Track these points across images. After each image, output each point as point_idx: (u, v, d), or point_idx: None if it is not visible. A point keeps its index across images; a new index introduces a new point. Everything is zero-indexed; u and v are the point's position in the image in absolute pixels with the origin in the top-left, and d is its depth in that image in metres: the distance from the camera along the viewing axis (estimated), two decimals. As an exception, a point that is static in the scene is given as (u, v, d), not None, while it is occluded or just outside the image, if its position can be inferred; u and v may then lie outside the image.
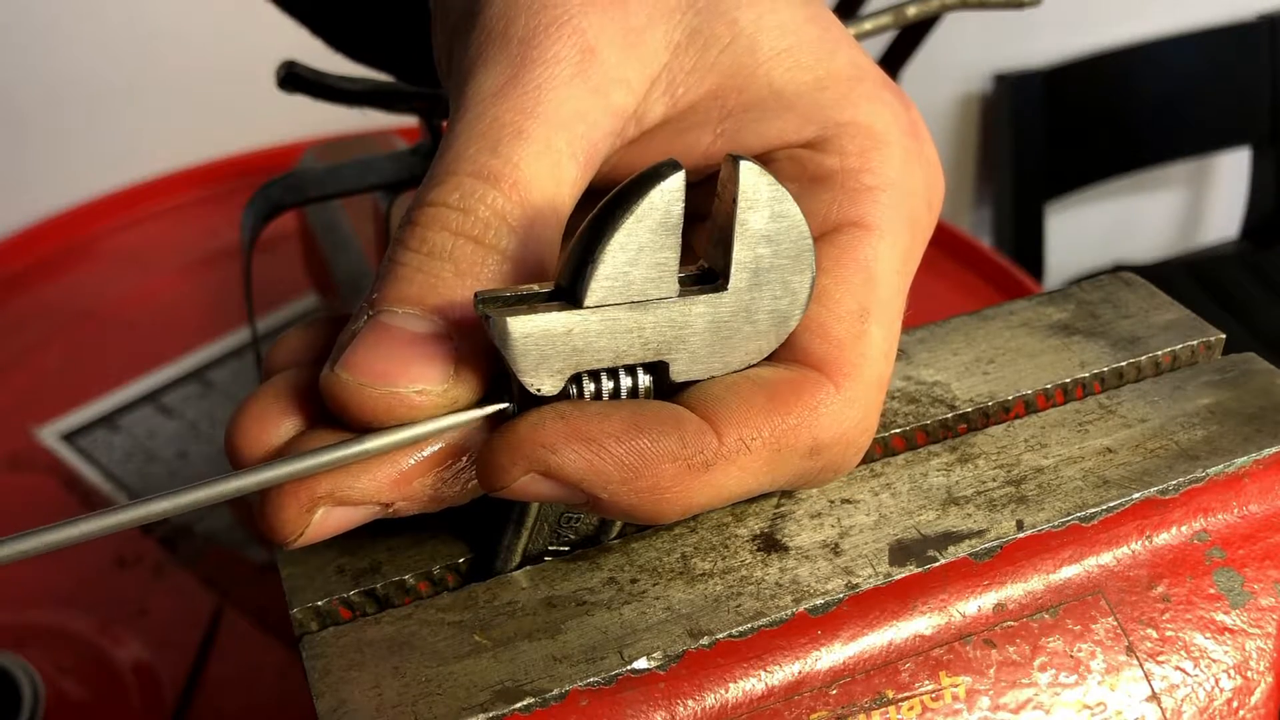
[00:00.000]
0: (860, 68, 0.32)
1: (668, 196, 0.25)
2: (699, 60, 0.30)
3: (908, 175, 0.31)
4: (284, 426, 0.28)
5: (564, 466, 0.26)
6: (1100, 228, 1.91)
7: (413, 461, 0.27)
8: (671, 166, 0.25)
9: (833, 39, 0.32)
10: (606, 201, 0.26)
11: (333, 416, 0.27)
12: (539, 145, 0.28)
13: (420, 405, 0.26)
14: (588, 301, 0.26)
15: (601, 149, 0.29)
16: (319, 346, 0.30)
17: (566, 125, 0.28)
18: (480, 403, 0.27)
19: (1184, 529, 0.32)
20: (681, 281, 0.27)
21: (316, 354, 0.30)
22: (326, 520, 0.27)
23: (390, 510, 0.28)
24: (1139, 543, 0.32)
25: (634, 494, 0.26)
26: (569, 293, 0.26)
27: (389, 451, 0.27)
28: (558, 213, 0.28)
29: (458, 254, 0.27)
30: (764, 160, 0.31)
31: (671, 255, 0.26)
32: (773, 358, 0.29)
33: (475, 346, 0.27)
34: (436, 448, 0.28)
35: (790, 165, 0.31)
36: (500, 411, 0.27)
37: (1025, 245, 1.73)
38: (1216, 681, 0.31)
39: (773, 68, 0.31)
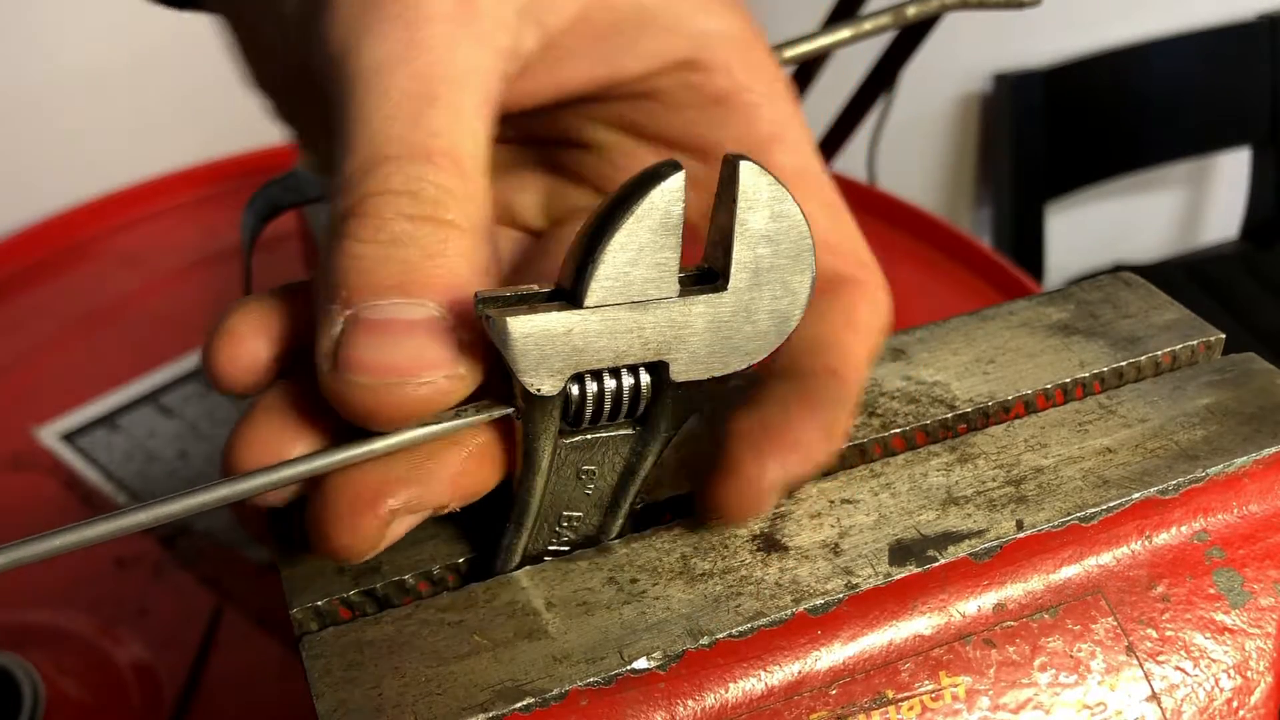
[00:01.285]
0: None
1: (668, 196, 0.25)
2: None
3: (778, 72, 0.32)
4: (297, 449, 0.28)
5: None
6: (1100, 228, 1.91)
7: (464, 455, 0.28)
8: (671, 167, 0.25)
9: None
10: (607, 202, 0.26)
11: (344, 424, 0.27)
12: (453, 110, 0.27)
13: (445, 391, 0.26)
14: (588, 301, 0.26)
15: (497, 97, 0.29)
16: (282, 338, 0.29)
17: (467, 82, 0.27)
18: (484, 406, 0.27)
19: (1184, 529, 0.32)
20: (681, 282, 0.27)
21: (284, 349, 0.29)
22: (397, 530, 0.27)
23: (444, 510, 0.28)
24: (1139, 543, 0.32)
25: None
26: (569, 293, 0.26)
27: (422, 446, 0.27)
28: (485, 175, 0.28)
29: (420, 237, 0.26)
30: (652, 90, 0.31)
31: (672, 255, 0.26)
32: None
33: (469, 326, 0.26)
34: (479, 441, 0.28)
35: (685, 93, 0.31)
36: (505, 415, 0.27)
37: (1025, 245, 1.73)
38: (1216, 681, 0.31)
39: None
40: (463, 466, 0.28)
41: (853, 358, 0.30)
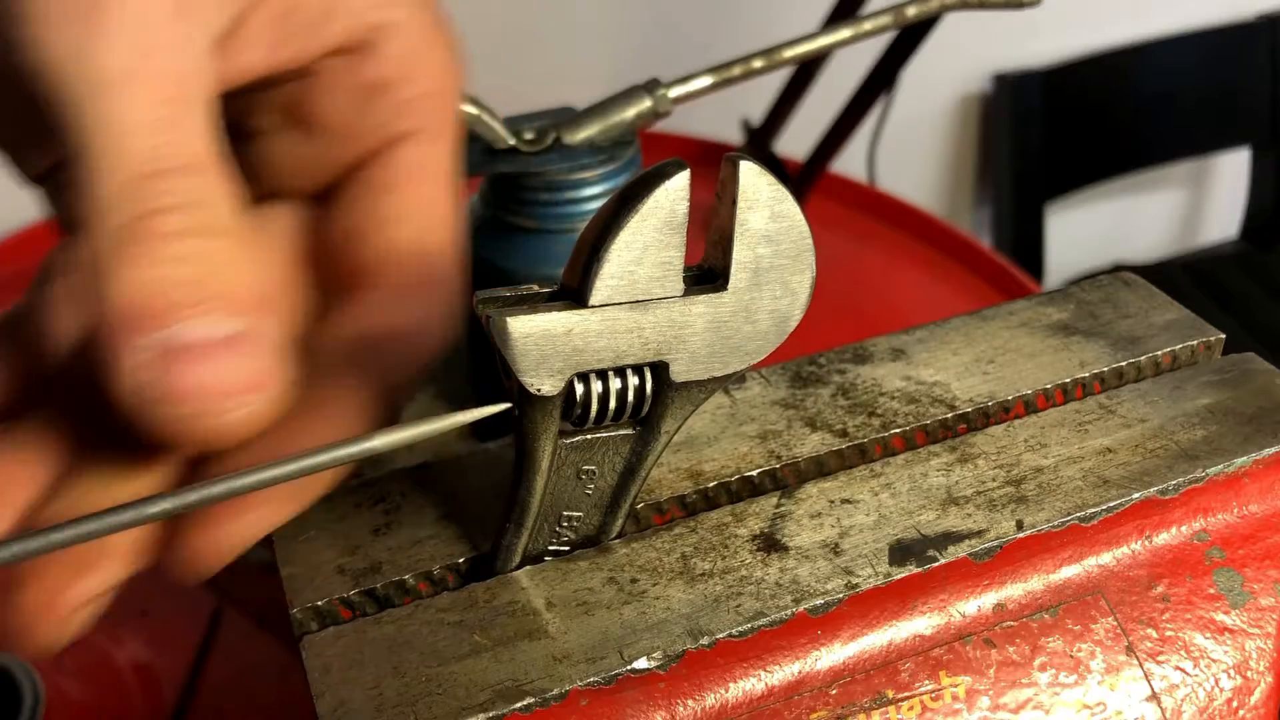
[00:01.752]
0: None
1: (673, 195, 0.25)
2: None
3: (448, 71, 0.32)
4: (33, 489, 0.27)
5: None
6: (1100, 228, 1.91)
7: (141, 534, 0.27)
8: (676, 166, 0.25)
9: None
10: (611, 201, 0.26)
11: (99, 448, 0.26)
12: (197, 113, 0.26)
13: (274, 406, 0.25)
14: (593, 300, 0.26)
15: (211, 91, 0.27)
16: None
17: (199, 78, 0.26)
18: (482, 406, 0.27)
19: (1184, 529, 0.32)
20: (684, 281, 0.27)
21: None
22: (85, 617, 0.27)
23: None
24: (1139, 543, 0.32)
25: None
26: (573, 292, 0.26)
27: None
28: (221, 172, 0.27)
29: (206, 251, 0.25)
30: (315, 73, 0.31)
31: (677, 254, 0.26)
32: (363, 285, 0.31)
33: (272, 332, 0.25)
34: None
35: (344, 77, 0.31)
36: (503, 413, 0.28)
37: (1025, 245, 1.73)
38: (1216, 681, 0.31)
39: None
40: (139, 544, 0.27)
41: (389, 378, 0.30)
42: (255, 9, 0.29)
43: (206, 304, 0.24)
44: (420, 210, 0.32)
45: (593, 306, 0.26)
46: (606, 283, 0.26)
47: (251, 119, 0.33)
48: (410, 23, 0.31)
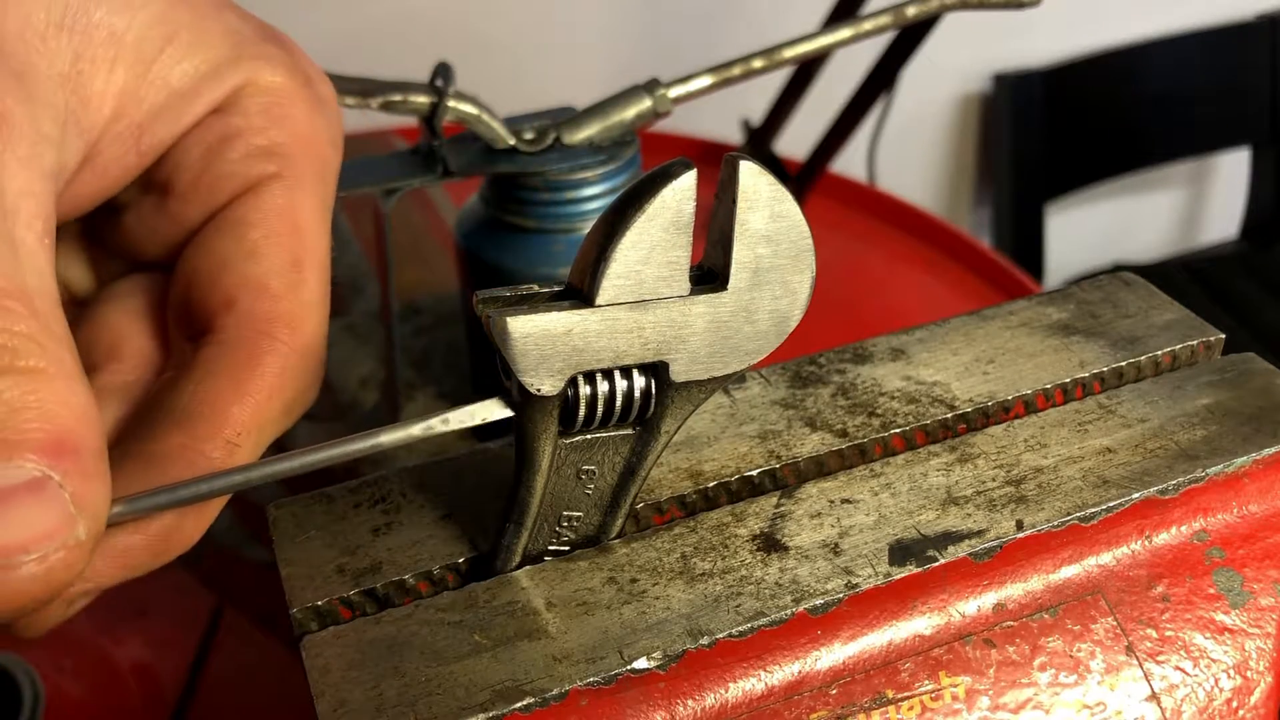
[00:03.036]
0: (239, 31, 0.31)
1: (679, 195, 0.25)
2: (91, 89, 0.28)
3: (312, 123, 0.32)
4: None
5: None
6: (1100, 228, 1.91)
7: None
8: (683, 165, 0.25)
9: (203, 12, 0.31)
10: (617, 201, 0.26)
11: None
12: (10, 247, 0.24)
13: (65, 564, 0.23)
14: (599, 300, 0.26)
15: (52, 219, 0.26)
16: None
17: (20, 212, 0.25)
18: (486, 408, 0.27)
19: (1184, 529, 0.32)
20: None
21: None
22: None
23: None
24: (1139, 543, 0.32)
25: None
26: (579, 292, 0.26)
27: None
28: (58, 306, 0.25)
29: (3, 391, 0.23)
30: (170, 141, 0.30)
31: (683, 254, 0.26)
32: (216, 329, 0.29)
33: (86, 474, 0.24)
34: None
35: (195, 133, 0.31)
36: (506, 416, 0.28)
37: (1025, 245, 1.73)
38: (1216, 681, 0.31)
39: (164, 70, 0.29)
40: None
41: (223, 430, 0.28)
42: (108, 128, 0.28)
43: (1, 447, 0.22)
44: (274, 249, 0.30)
45: (598, 306, 0.26)
46: (613, 283, 0.26)
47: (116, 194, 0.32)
48: (272, 79, 0.31)
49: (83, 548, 0.23)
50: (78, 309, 0.33)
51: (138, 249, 0.32)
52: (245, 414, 0.28)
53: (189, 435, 0.28)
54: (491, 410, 0.27)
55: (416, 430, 0.27)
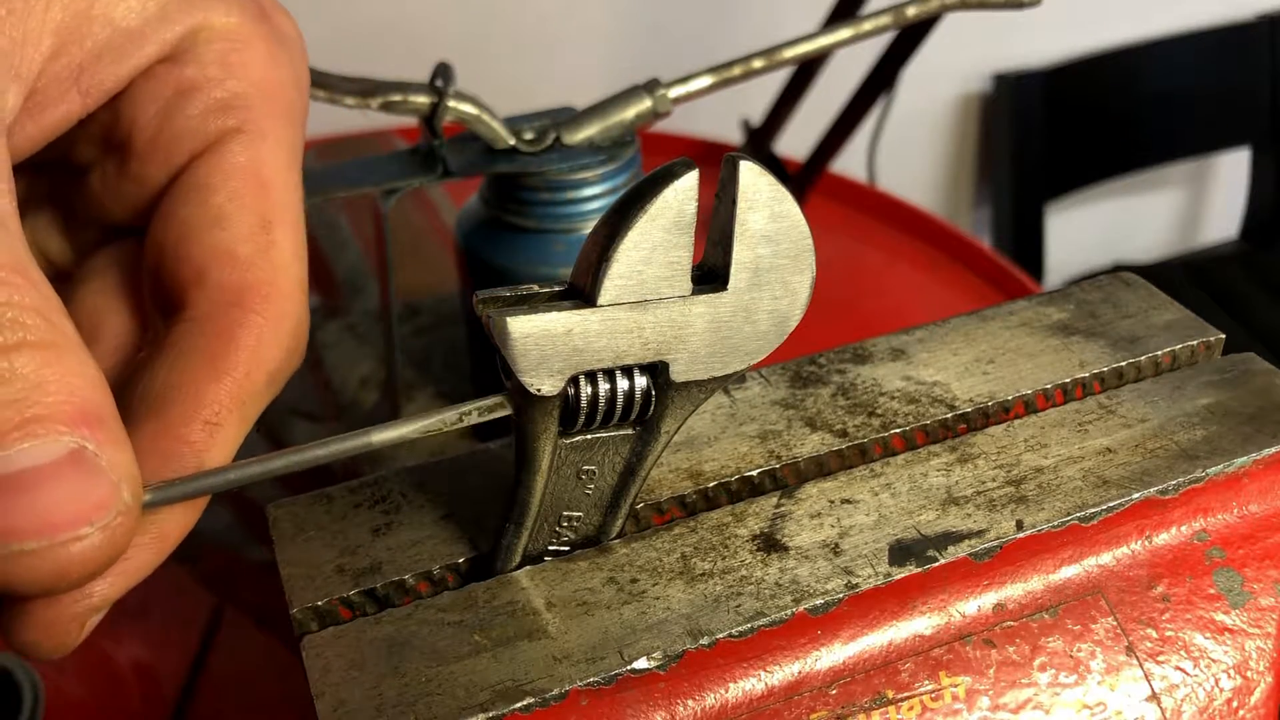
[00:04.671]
0: None
1: (681, 195, 0.25)
2: (25, 29, 0.26)
3: (273, 66, 0.30)
4: None
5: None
6: (1100, 228, 1.91)
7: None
8: (685, 165, 0.25)
9: None
10: (619, 201, 0.26)
11: None
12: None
13: (122, 531, 0.23)
14: (601, 300, 0.26)
15: (5, 168, 0.25)
16: None
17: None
18: (488, 408, 0.27)
19: (1184, 529, 0.32)
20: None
21: None
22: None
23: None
24: (1139, 543, 0.32)
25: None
26: (580, 292, 0.26)
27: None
28: (39, 269, 0.25)
29: (21, 368, 0.22)
30: (122, 92, 0.29)
31: (685, 254, 0.26)
32: (187, 304, 0.28)
33: (115, 441, 0.23)
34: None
35: (150, 85, 0.29)
36: (506, 416, 0.27)
37: (1025, 245, 1.73)
38: (1216, 681, 0.31)
39: (107, 7, 0.27)
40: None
41: (200, 413, 0.27)
42: (46, 69, 0.26)
43: (30, 426, 0.22)
44: (240, 212, 0.28)
45: (599, 306, 0.26)
46: (615, 283, 0.26)
47: (74, 154, 0.31)
48: (227, 21, 0.29)
49: (133, 512, 0.23)
50: (59, 284, 0.32)
51: (107, 214, 0.31)
52: (223, 393, 0.27)
53: (165, 421, 0.26)
54: (491, 410, 0.27)
55: (414, 429, 0.27)
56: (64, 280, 0.32)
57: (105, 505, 0.23)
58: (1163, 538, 0.32)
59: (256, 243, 0.28)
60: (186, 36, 0.29)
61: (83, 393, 0.23)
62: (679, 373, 0.28)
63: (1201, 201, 2.01)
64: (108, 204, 0.31)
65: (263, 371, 0.28)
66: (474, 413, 0.27)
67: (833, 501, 0.32)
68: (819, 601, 0.29)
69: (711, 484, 0.33)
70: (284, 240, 0.29)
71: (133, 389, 0.28)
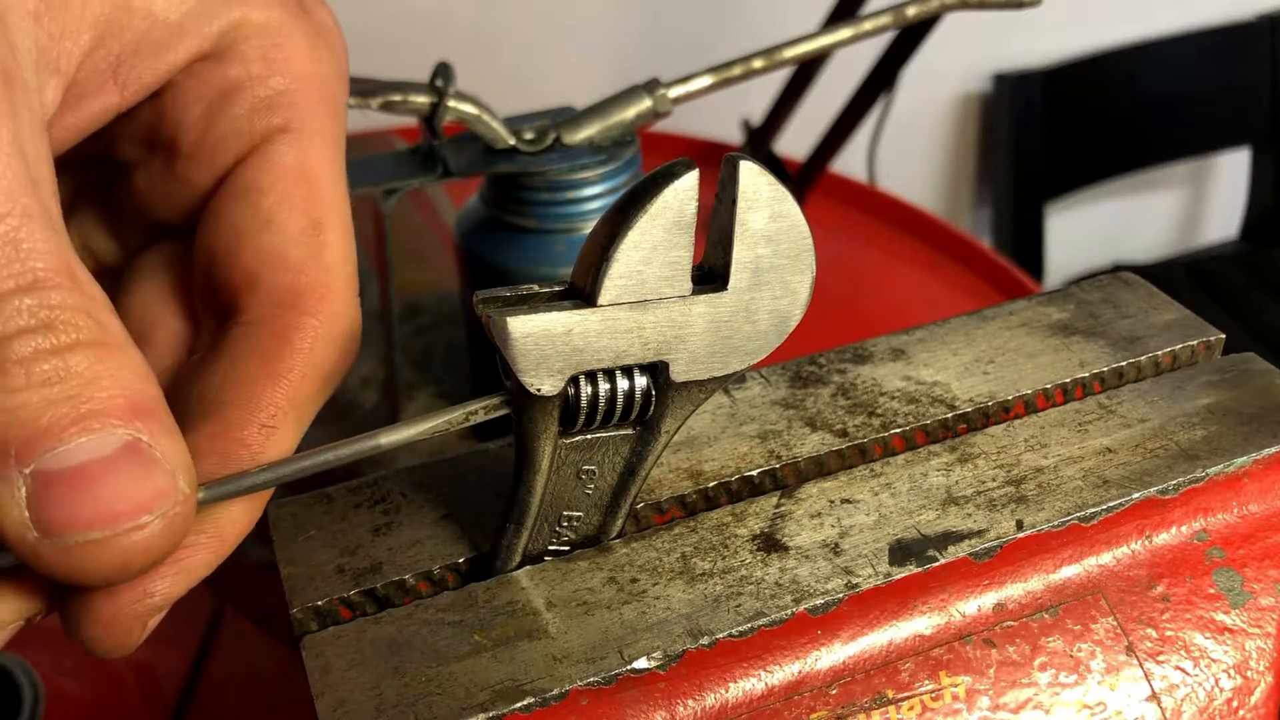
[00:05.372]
0: None
1: (681, 195, 0.25)
2: (64, 21, 0.26)
3: (315, 61, 0.30)
4: None
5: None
6: (1100, 228, 1.91)
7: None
8: (685, 165, 0.25)
9: None
10: (620, 200, 0.26)
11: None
12: (35, 215, 0.23)
13: (182, 519, 0.24)
14: (601, 300, 0.26)
15: (53, 173, 0.25)
16: None
17: (32, 174, 0.23)
18: (491, 408, 0.27)
19: (1184, 529, 0.32)
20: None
21: None
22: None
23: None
24: (1139, 543, 0.32)
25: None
26: (581, 292, 0.26)
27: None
28: (84, 268, 0.24)
29: (74, 366, 0.23)
30: (163, 89, 0.29)
31: (685, 254, 0.26)
32: (241, 309, 0.28)
33: (168, 432, 0.24)
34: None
35: (193, 83, 0.29)
36: (506, 416, 0.28)
37: (1025, 245, 1.73)
38: (1216, 681, 0.31)
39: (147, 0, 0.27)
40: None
41: (256, 416, 0.27)
42: (86, 62, 0.26)
43: (85, 421, 0.22)
44: (290, 214, 0.29)
45: (599, 306, 0.26)
46: (615, 282, 0.26)
47: (117, 151, 0.31)
48: (268, 15, 0.29)
49: (190, 501, 0.24)
50: (107, 281, 0.31)
51: (154, 213, 0.31)
52: (279, 396, 0.27)
53: (222, 423, 0.27)
54: (491, 410, 0.27)
55: (415, 431, 0.27)
56: (112, 277, 0.32)
57: (164, 494, 0.23)
58: (1163, 538, 0.32)
59: (308, 245, 0.29)
60: (227, 32, 0.29)
61: (134, 387, 0.23)
62: (679, 373, 0.28)
63: (1201, 201, 2.01)
64: (154, 204, 0.31)
65: (318, 373, 0.28)
66: (479, 411, 0.27)
67: (833, 501, 0.32)
68: (819, 601, 0.29)
69: (711, 484, 0.33)
70: (334, 241, 0.29)
71: (189, 391, 0.28)
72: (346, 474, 0.35)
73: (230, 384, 0.27)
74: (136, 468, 0.23)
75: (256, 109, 0.29)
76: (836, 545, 0.31)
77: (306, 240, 0.29)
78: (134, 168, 0.31)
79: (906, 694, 0.29)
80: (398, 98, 0.47)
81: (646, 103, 0.50)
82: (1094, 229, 1.90)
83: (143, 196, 0.31)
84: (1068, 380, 0.36)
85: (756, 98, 0.94)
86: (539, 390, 0.26)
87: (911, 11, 0.52)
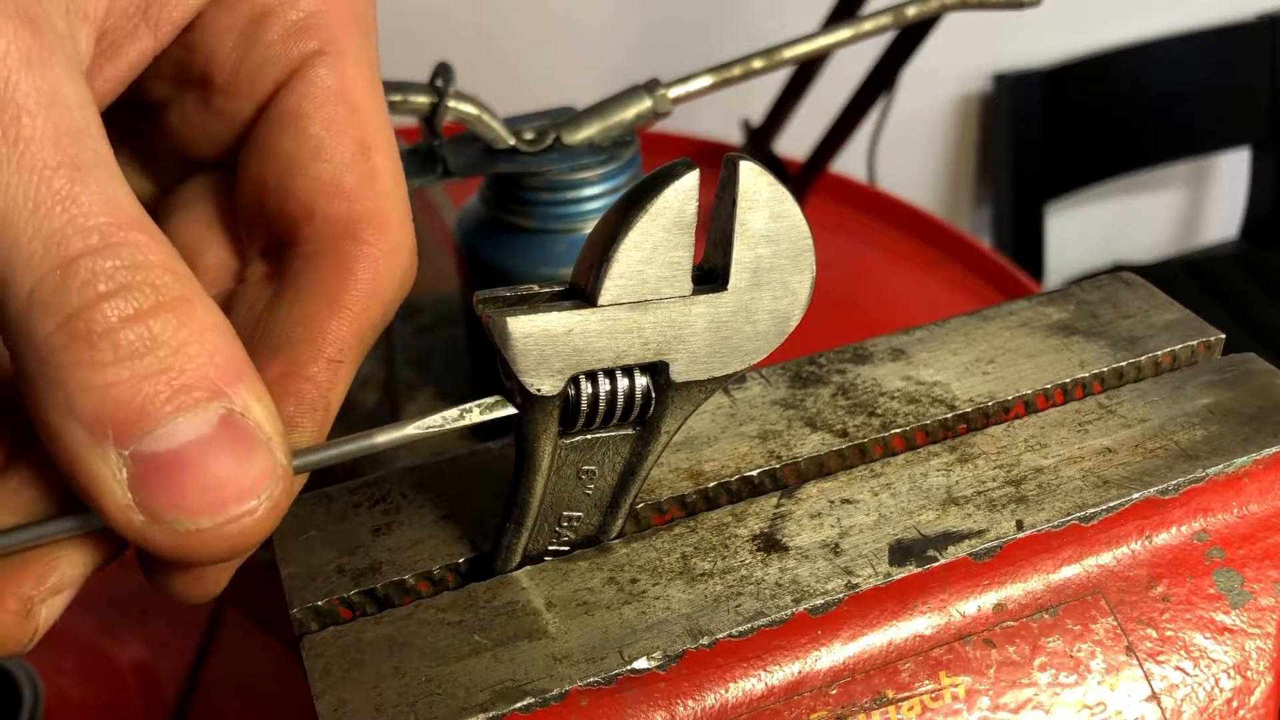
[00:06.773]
0: None
1: (682, 195, 0.25)
2: None
3: None
4: None
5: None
6: (1100, 228, 1.91)
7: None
8: (685, 166, 0.25)
9: None
10: (620, 201, 0.26)
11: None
12: (98, 166, 0.22)
13: (286, 495, 0.23)
14: (601, 300, 0.26)
15: (96, 114, 0.24)
16: None
17: (83, 123, 0.22)
18: (489, 407, 0.27)
19: (1184, 529, 0.32)
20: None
21: None
22: (51, 614, 0.25)
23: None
24: (1139, 543, 0.32)
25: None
26: (581, 292, 0.26)
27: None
28: (146, 228, 0.23)
29: (160, 333, 0.21)
30: (191, 23, 0.28)
31: (685, 254, 0.26)
32: (298, 239, 0.28)
33: (260, 398, 0.23)
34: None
35: (221, 14, 0.28)
36: (506, 416, 0.27)
37: (1025, 245, 1.73)
38: (1216, 681, 0.31)
39: None
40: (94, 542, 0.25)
41: (324, 350, 0.27)
42: (113, 6, 0.25)
43: (179, 398, 0.21)
44: (338, 140, 0.28)
45: (599, 306, 0.26)
46: (616, 283, 0.26)
47: (145, 91, 0.30)
48: None
49: (289, 476, 0.23)
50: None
51: (190, 150, 0.31)
52: (344, 328, 0.27)
53: (290, 361, 0.26)
54: (491, 410, 0.27)
55: (417, 429, 0.27)
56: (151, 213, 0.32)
57: (267, 475, 0.23)
58: (1163, 538, 0.32)
59: (359, 171, 0.28)
60: None
61: (222, 349, 0.22)
62: (679, 373, 0.28)
63: (1201, 201, 2.01)
64: (189, 140, 0.30)
65: (380, 304, 0.28)
66: (475, 410, 0.27)
67: (833, 501, 0.32)
68: (819, 601, 0.29)
69: (711, 484, 0.33)
70: (384, 165, 0.29)
71: (254, 331, 0.27)
72: (347, 473, 0.35)
73: (294, 319, 0.27)
74: (238, 447, 0.22)
75: (290, 34, 0.28)
76: (836, 545, 0.31)
77: (358, 166, 0.28)
78: (165, 105, 0.30)
79: (906, 694, 0.29)
80: (398, 98, 0.47)
81: (646, 103, 0.50)
82: (1094, 229, 1.90)
83: (176, 133, 0.30)
84: (1068, 380, 0.36)
85: (756, 98, 0.94)
86: (539, 390, 0.26)
87: (911, 11, 0.52)
